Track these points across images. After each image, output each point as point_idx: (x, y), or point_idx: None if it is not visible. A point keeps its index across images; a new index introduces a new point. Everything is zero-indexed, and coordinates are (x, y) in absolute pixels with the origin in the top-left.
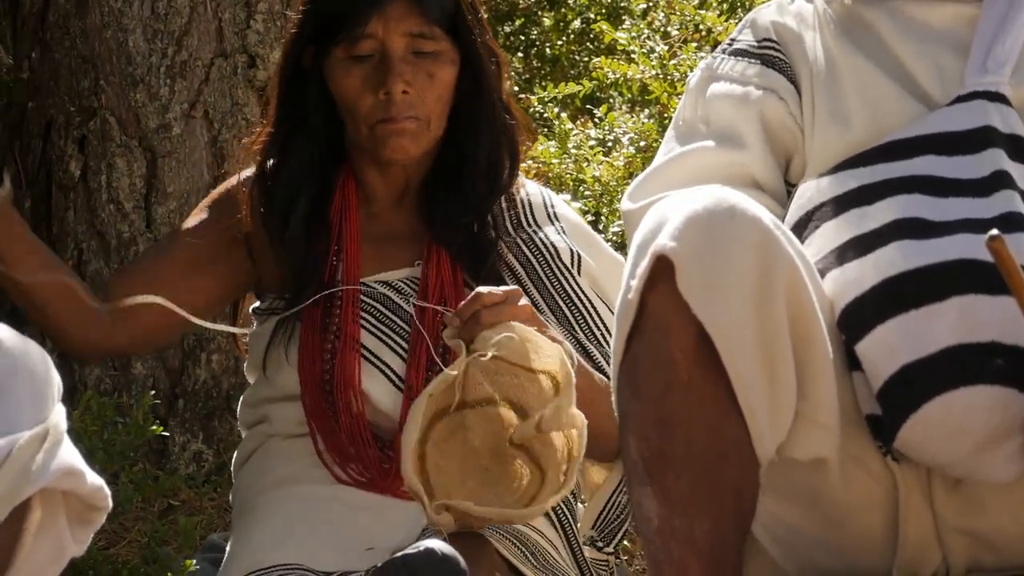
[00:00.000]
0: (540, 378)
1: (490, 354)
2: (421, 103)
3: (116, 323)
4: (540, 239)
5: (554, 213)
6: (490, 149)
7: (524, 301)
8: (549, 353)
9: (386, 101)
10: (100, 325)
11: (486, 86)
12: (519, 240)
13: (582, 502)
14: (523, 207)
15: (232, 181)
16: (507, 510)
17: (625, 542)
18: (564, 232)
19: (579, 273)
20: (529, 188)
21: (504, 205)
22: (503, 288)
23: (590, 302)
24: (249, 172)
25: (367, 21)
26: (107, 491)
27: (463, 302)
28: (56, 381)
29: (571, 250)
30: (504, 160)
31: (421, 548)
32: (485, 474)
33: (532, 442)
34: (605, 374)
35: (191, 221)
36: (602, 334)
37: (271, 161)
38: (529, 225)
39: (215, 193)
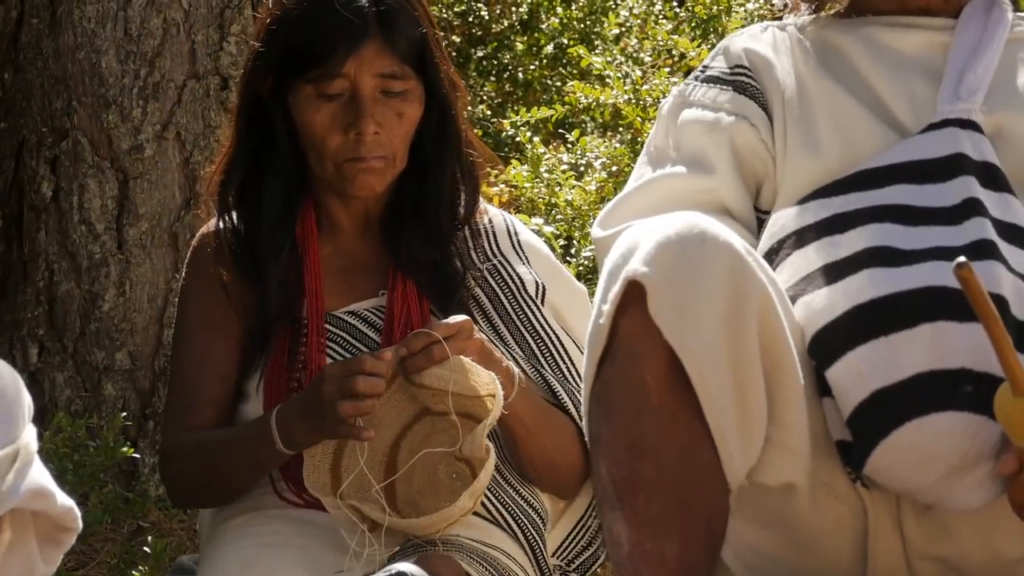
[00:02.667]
0: (485, 400)
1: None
2: (389, 142)
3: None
4: (506, 271)
5: (518, 242)
6: (451, 182)
7: (477, 334)
8: (486, 382)
9: (356, 141)
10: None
11: (450, 121)
12: (485, 271)
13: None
14: (487, 235)
15: (202, 233)
16: (404, 520)
17: (598, 569)
18: (528, 261)
19: (543, 304)
20: (492, 214)
21: (468, 234)
22: (455, 320)
23: (555, 334)
24: (210, 227)
25: (342, 62)
26: (77, 512)
27: (412, 335)
28: (27, 401)
29: (536, 282)
30: (464, 191)
31: (392, 572)
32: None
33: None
34: (566, 408)
35: (195, 308)
36: (567, 367)
37: (236, 196)
38: (494, 255)
39: (192, 259)
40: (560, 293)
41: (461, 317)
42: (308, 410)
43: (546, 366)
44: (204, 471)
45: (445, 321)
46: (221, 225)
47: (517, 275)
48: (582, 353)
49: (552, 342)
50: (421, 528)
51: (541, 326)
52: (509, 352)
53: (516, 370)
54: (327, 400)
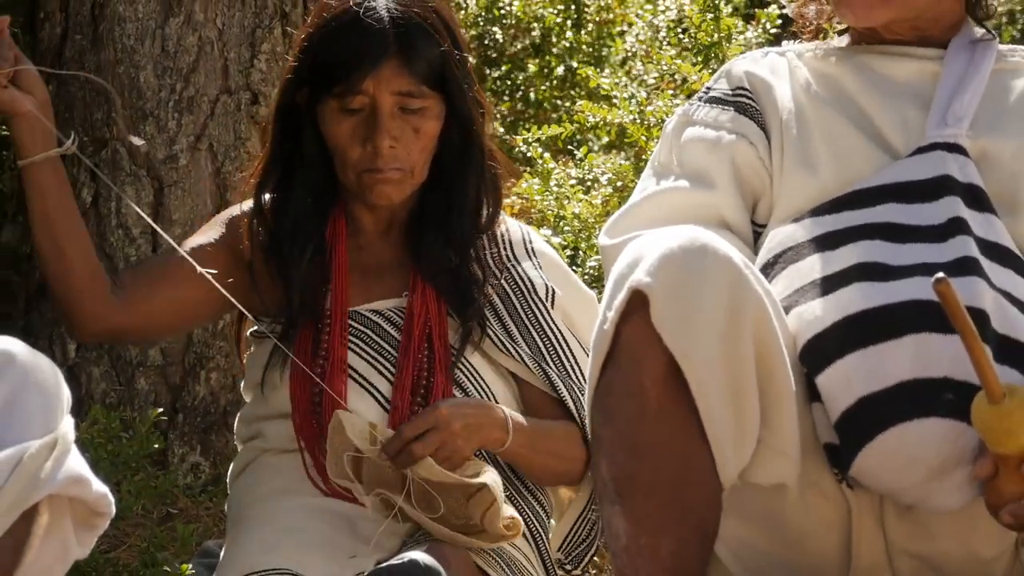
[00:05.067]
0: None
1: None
2: (406, 155)
3: (125, 305)
4: (518, 273)
5: (532, 248)
6: (474, 193)
7: (451, 415)
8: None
9: (373, 153)
10: (110, 303)
11: (472, 136)
12: (499, 274)
13: (552, 520)
14: (503, 242)
15: (235, 210)
16: (446, 530)
17: (595, 558)
18: (540, 267)
19: (552, 307)
20: (509, 224)
21: (486, 241)
22: (425, 418)
23: (562, 335)
24: (249, 204)
25: (362, 80)
26: (111, 498)
27: (388, 440)
28: (65, 394)
29: (546, 285)
30: (487, 203)
31: (405, 559)
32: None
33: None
34: (566, 403)
35: (197, 238)
36: (572, 366)
37: (270, 195)
38: (509, 260)
39: (220, 217)
40: (570, 299)
41: (431, 416)
42: None
43: (551, 363)
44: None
45: (412, 423)
46: (253, 220)
47: (528, 278)
48: (586, 352)
49: (558, 341)
50: (444, 536)
51: (548, 326)
52: (516, 349)
53: (506, 414)
54: None
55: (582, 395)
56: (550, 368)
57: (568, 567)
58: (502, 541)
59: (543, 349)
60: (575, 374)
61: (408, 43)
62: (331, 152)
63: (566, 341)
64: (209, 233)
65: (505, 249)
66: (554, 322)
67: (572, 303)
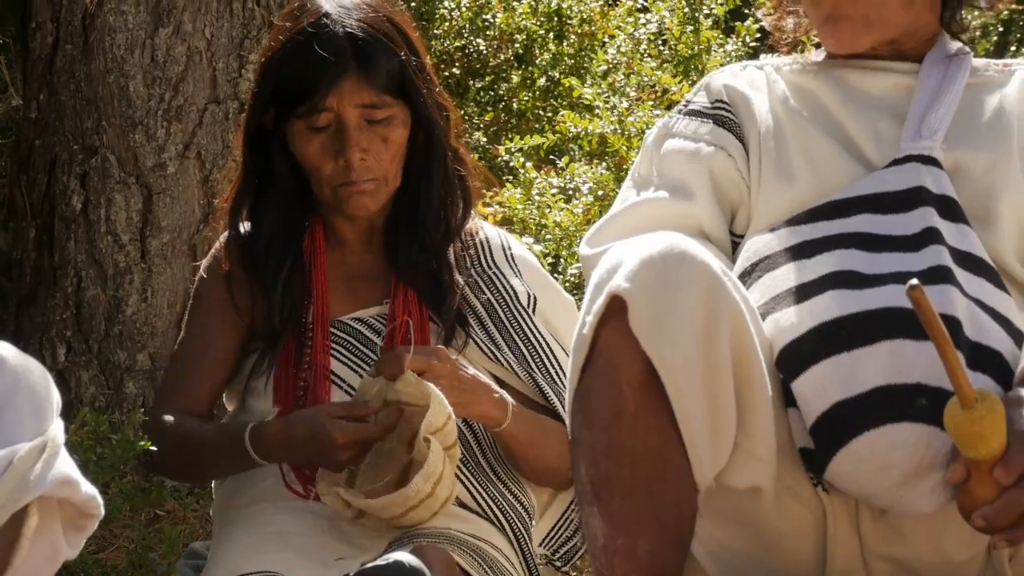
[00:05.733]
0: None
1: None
2: (378, 165)
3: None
4: (500, 282)
5: (512, 255)
6: (442, 195)
7: (449, 360)
8: (436, 397)
9: (345, 167)
10: None
11: (436, 139)
12: (480, 281)
13: (535, 521)
14: (482, 248)
15: (210, 260)
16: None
17: (577, 561)
18: (520, 274)
19: (534, 313)
20: (488, 231)
21: (465, 248)
22: (428, 349)
23: (545, 342)
24: (222, 240)
25: (324, 98)
26: (99, 500)
27: (387, 352)
28: (55, 397)
29: (528, 293)
30: (457, 204)
31: (390, 560)
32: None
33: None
34: (556, 410)
35: (201, 315)
36: (556, 372)
37: (246, 215)
38: (489, 267)
39: (203, 284)
40: (550, 303)
41: (437, 347)
42: (291, 444)
43: (537, 371)
44: (185, 459)
45: (416, 348)
46: (230, 242)
47: (511, 286)
48: (569, 357)
49: (542, 348)
50: (382, 509)
51: (532, 334)
52: (501, 357)
53: (508, 398)
54: (332, 451)
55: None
56: (537, 375)
57: (557, 563)
58: (434, 501)
59: (528, 356)
60: (559, 379)
61: (365, 56)
62: (304, 170)
63: (550, 347)
64: (210, 293)
65: (485, 256)
66: (537, 329)
67: (552, 307)
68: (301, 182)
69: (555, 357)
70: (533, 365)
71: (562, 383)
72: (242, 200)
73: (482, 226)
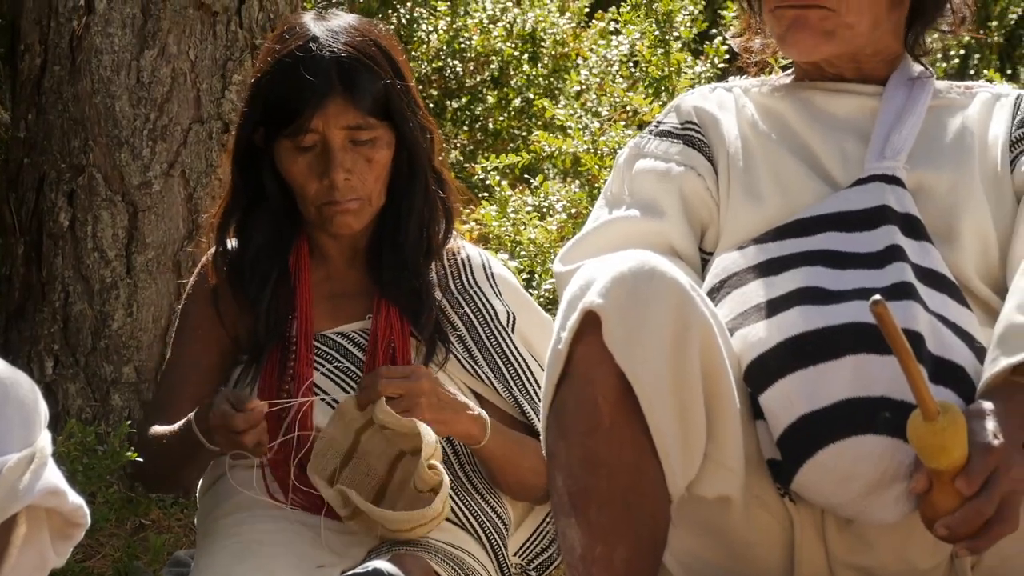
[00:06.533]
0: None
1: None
2: (362, 185)
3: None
4: (480, 301)
5: (492, 274)
6: (424, 215)
7: (427, 378)
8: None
9: (330, 187)
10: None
11: (419, 161)
12: (461, 300)
13: (511, 533)
14: (463, 267)
15: (196, 279)
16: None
17: (553, 571)
18: (500, 293)
19: (513, 331)
20: (468, 250)
21: (446, 267)
22: (405, 367)
23: (523, 359)
24: (208, 257)
25: (310, 119)
26: (86, 509)
27: (367, 376)
28: (43, 409)
29: (507, 312)
30: (438, 224)
31: (369, 568)
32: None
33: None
34: (534, 426)
35: (188, 334)
36: (533, 388)
37: (234, 231)
38: (470, 285)
39: (190, 301)
40: (528, 322)
41: (410, 366)
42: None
43: (515, 387)
44: (154, 460)
45: (393, 367)
46: (217, 257)
47: (491, 305)
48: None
49: (521, 367)
50: (395, 522)
51: (511, 351)
52: (481, 373)
53: (486, 416)
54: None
55: None
56: (515, 392)
57: (532, 573)
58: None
59: (507, 374)
60: (537, 396)
61: (351, 79)
62: (291, 186)
63: (528, 365)
64: (196, 311)
65: (466, 274)
66: (516, 348)
67: (530, 326)
68: (289, 200)
69: (533, 374)
70: (512, 382)
71: (540, 399)
72: (230, 217)
73: (463, 245)
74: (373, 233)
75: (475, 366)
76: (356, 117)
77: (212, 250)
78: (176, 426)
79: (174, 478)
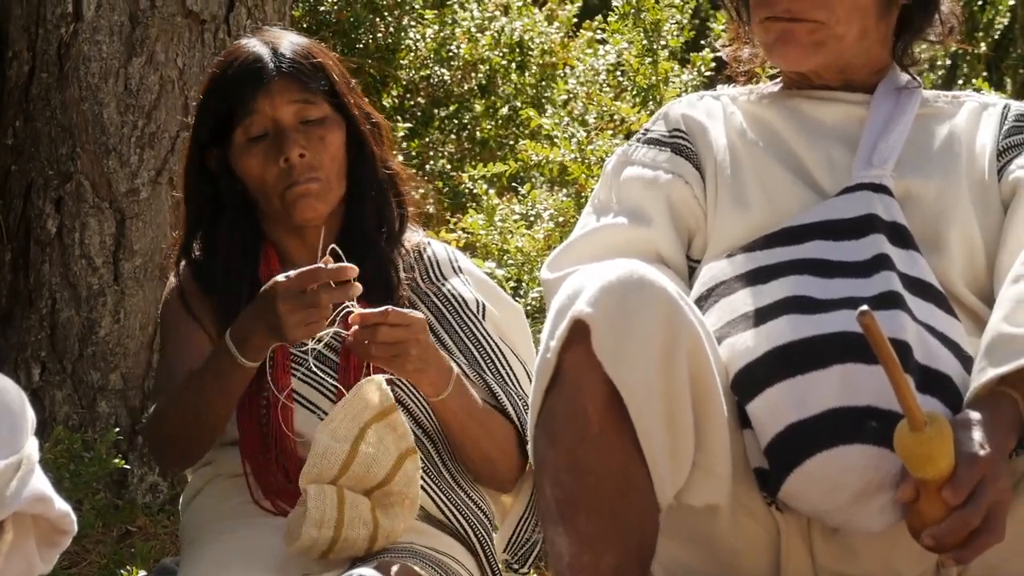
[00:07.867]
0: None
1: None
2: (319, 164)
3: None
4: (448, 291)
5: (458, 267)
6: (377, 203)
7: (425, 334)
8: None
9: (287, 168)
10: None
11: (365, 145)
12: (429, 292)
13: (495, 528)
14: (431, 264)
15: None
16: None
17: (534, 574)
18: (468, 284)
19: (484, 319)
20: (434, 247)
21: (413, 263)
22: (411, 313)
23: (496, 345)
24: (171, 283)
25: (254, 99)
26: (73, 516)
27: (371, 311)
28: (30, 416)
29: (477, 299)
30: (392, 209)
31: (355, 575)
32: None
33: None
34: (505, 410)
35: (171, 339)
36: (508, 374)
37: (198, 249)
38: (438, 279)
39: (167, 309)
40: (499, 311)
41: (417, 315)
42: (262, 322)
43: (488, 372)
44: (181, 414)
45: (400, 312)
46: (185, 272)
47: (459, 294)
48: (520, 361)
49: (493, 351)
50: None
51: (483, 337)
52: (453, 359)
53: (456, 370)
54: (282, 315)
55: (520, 401)
56: (488, 377)
57: (515, 566)
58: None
59: (480, 359)
60: (511, 381)
61: (291, 61)
62: (252, 189)
63: (500, 351)
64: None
65: (432, 270)
66: (487, 333)
67: (502, 315)
68: (249, 210)
69: (505, 359)
70: (484, 367)
71: (514, 385)
72: (192, 235)
73: (429, 243)
74: (338, 233)
75: (446, 353)
76: (302, 91)
77: (183, 264)
78: (201, 363)
79: (197, 428)
